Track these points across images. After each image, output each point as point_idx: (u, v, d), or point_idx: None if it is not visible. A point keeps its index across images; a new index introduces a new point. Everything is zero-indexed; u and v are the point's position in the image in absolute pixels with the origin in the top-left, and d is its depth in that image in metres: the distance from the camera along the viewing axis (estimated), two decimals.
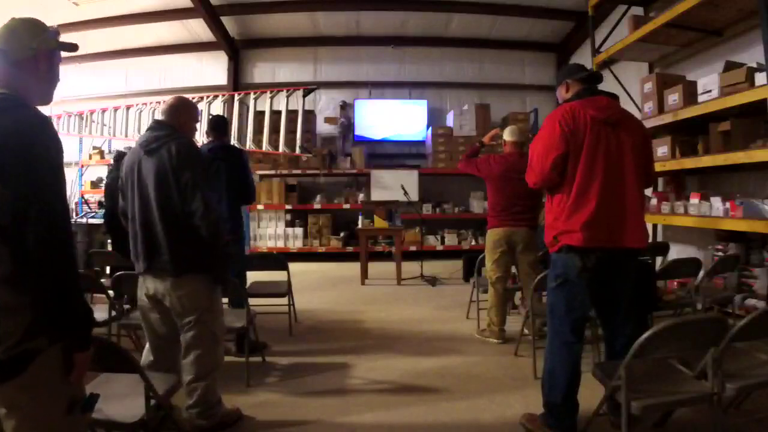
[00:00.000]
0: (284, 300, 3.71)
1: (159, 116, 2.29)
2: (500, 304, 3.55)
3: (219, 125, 3.50)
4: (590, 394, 2.15)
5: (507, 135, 3.62)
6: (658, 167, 4.41)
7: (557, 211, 2.09)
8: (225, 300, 3.48)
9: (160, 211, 2.07)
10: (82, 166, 7.63)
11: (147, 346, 2.26)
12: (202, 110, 6.56)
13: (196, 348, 2.18)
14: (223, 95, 6.87)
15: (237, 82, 7.99)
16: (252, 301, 3.18)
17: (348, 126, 7.89)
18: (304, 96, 6.47)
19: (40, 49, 1.27)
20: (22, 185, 1.12)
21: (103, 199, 5.51)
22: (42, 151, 1.17)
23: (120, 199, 2.28)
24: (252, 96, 6.58)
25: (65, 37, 1.34)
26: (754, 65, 3.45)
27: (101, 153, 7.69)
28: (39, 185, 1.14)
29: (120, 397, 1.77)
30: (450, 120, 7.78)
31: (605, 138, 2.03)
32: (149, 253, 2.10)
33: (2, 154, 1.12)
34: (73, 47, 1.38)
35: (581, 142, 2.02)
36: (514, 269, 3.67)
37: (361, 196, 7.45)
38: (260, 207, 7.34)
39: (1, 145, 1.12)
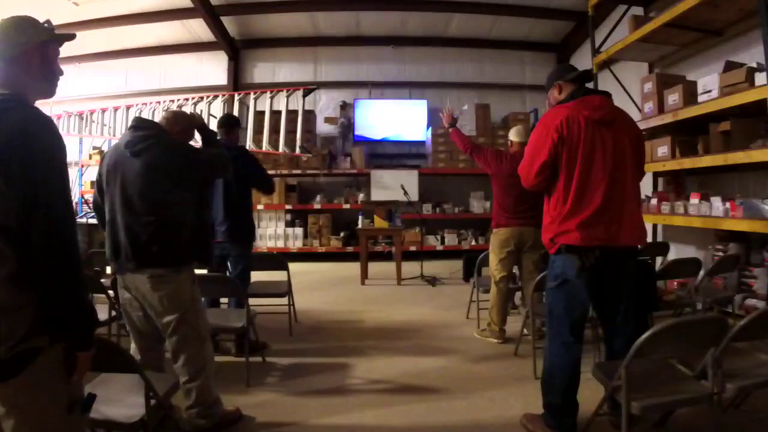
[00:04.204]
0: (284, 300, 3.70)
1: (157, 117, 2.29)
2: (502, 304, 3.55)
3: (229, 123, 3.52)
4: (590, 394, 2.15)
5: (514, 135, 3.62)
6: (659, 167, 4.43)
7: (554, 213, 2.09)
8: (225, 300, 3.52)
9: (146, 211, 2.05)
10: (82, 166, 7.63)
11: (132, 346, 2.23)
12: (202, 110, 6.56)
13: (184, 350, 2.16)
14: (223, 95, 6.87)
15: (237, 82, 7.98)
16: (252, 301, 3.18)
17: (348, 126, 7.89)
18: (304, 96, 6.47)
19: (30, 43, 1.26)
20: (26, 185, 1.13)
21: None
22: (45, 151, 1.17)
23: (96, 194, 2.27)
24: (252, 96, 6.58)
25: None
26: (754, 65, 3.45)
27: (101, 153, 7.69)
28: (43, 185, 1.14)
29: (120, 397, 1.77)
30: None
31: (601, 137, 2.03)
32: (134, 253, 2.06)
33: (6, 153, 1.12)
34: (69, 37, 1.36)
35: (576, 144, 2.02)
36: (515, 269, 3.68)
37: (361, 196, 7.44)
38: (260, 207, 7.33)
39: (5, 145, 1.12)
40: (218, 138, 2.66)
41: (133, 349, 2.24)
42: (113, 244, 2.13)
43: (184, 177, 2.14)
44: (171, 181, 2.09)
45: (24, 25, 1.28)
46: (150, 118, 2.40)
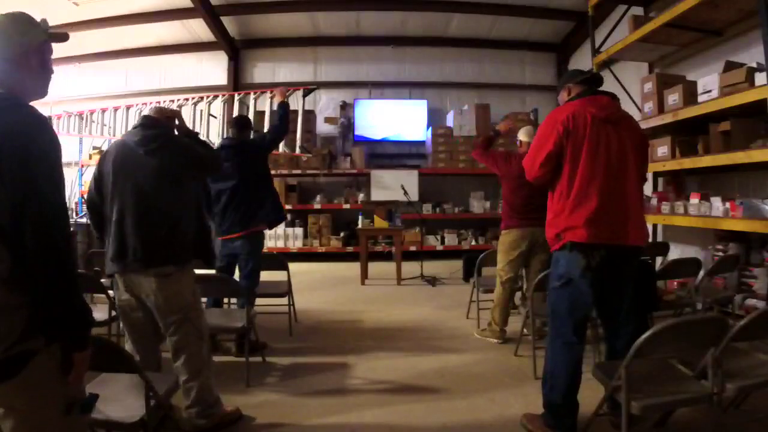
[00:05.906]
0: (284, 300, 3.70)
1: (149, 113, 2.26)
2: (506, 304, 3.55)
3: (240, 123, 3.59)
4: (590, 394, 2.15)
5: (523, 135, 3.60)
6: (659, 167, 4.43)
7: (558, 207, 2.09)
8: (225, 300, 3.52)
9: (163, 208, 2.07)
10: (82, 166, 7.61)
11: (128, 346, 2.20)
12: (202, 110, 6.56)
13: (185, 349, 2.16)
14: (223, 95, 6.85)
15: (237, 82, 7.99)
16: None
17: (348, 126, 7.89)
18: (304, 96, 6.45)
19: (31, 44, 1.25)
20: (20, 185, 1.12)
21: None
22: (40, 151, 1.16)
23: (93, 192, 2.20)
24: (252, 96, 6.57)
25: None
26: (754, 65, 3.46)
27: (101, 153, 7.68)
28: (37, 185, 1.13)
29: (120, 397, 1.77)
30: (450, 120, 7.77)
31: (606, 136, 2.04)
32: (145, 252, 2.04)
33: (1, 153, 1.12)
34: (63, 37, 1.35)
35: (582, 139, 2.03)
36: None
37: (361, 196, 7.44)
38: None
39: (0, 145, 1.12)
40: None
41: (129, 349, 2.20)
42: (120, 245, 2.08)
43: (193, 175, 2.21)
44: (185, 179, 2.14)
45: (25, 24, 1.26)
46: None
